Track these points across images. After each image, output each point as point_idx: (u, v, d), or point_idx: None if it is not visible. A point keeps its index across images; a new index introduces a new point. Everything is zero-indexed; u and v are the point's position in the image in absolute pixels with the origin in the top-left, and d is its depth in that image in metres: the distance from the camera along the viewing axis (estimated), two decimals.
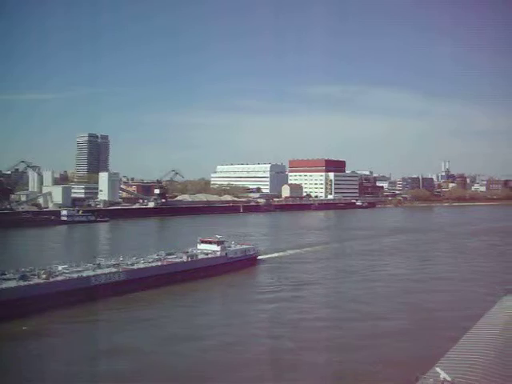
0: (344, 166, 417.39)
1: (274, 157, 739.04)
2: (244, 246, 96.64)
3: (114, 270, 70.36)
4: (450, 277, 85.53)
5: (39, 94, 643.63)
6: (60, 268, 67.53)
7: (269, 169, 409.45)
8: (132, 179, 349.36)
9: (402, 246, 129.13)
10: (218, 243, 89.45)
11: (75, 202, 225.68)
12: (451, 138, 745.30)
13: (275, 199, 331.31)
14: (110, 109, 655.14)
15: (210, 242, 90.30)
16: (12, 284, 59.38)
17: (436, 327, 53.84)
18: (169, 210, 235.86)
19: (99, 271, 68.67)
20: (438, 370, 27.91)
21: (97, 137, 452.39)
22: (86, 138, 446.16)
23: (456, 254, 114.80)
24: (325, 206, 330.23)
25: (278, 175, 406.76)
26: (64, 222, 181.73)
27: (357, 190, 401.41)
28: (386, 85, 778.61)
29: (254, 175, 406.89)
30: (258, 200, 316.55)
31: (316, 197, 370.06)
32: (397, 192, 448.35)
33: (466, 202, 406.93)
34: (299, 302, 67.08)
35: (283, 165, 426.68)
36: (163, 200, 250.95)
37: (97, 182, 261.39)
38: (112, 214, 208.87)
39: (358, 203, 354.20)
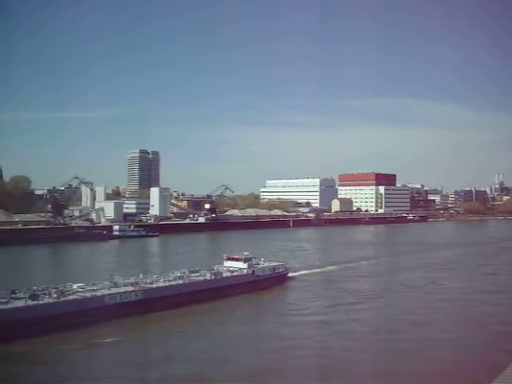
0: (394, 180, 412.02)
1: (322, 171, 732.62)
2: (273, 263, 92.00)
3: (130, 288, 67.38)
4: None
5: (89, 112, 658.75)
6: (75, 286, 64.55)
7: (318, 183, 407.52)
8: (182, 194, 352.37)
9: (460, 260, 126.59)
10: (245, 260, 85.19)
11: (127, 216, 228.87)
12: (505, 149, 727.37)
13: (325, 213, 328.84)
14: (158, 125, 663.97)
15: (237, 259, 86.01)
16: (19, 304, 56.43)
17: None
18: (219, 225, 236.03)
19: (114, 290, 65.72)
20: None
21: (148, 153, 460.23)
22: (138, 154, 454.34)
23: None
24: (375, 220, 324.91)
25: (328, 189, 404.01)
26: (116, 237, 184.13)
27: (408, 204, 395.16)
28: (434, 97, 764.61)
29: (303, 189, 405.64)
30: (308, 214, 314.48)
31: (366, 211, 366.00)
32: (449, 205, 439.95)
33: None
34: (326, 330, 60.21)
35: (333, 179, 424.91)
36: (213, 215, 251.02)
37: (148, 198, 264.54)
38: (163, 228, 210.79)
39: (410, 217, 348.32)
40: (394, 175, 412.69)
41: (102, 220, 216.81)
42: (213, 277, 78.33)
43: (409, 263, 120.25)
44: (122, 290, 66.27)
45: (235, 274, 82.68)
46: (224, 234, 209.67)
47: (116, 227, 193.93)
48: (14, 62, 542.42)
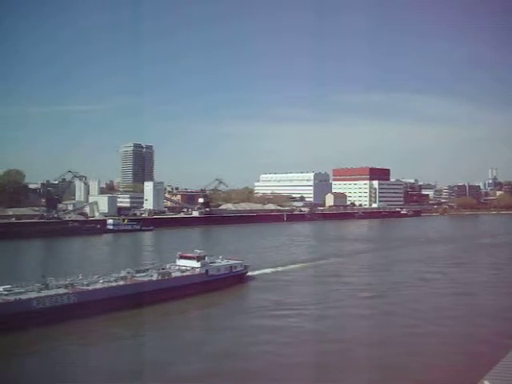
0: (388, 174, 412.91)
1: (316, 165, 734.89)
2: (231, 262, 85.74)
3: (62, 291, 61.49)
4: None
5: (83, 106, 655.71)
6: (0, 289, 59.02)
7: (312, 177, 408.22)
8: (176, 188, 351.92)
9: (460, 254, 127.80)
10: (198, 259, 79.56)
11: (121, 211, 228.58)
12: (500, 145, 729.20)
13: (319, 208, 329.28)
14: (153, 119, 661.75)
15: (190, 258, 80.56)
16: None
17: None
18: (213, 219, 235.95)
19: (44, 293, 59.83)
20: (486, 383, 26.67)
21: (142, 147, 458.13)
22: (131, 148, 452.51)
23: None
24: (369, 214, 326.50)
25: (322, 184, 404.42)
26: (110, 231, 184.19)
27: (402, 199, 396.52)
28: (429, 92, 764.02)
29: (297, 184, 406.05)
30: (302, 209, 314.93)
31: (360, 205, 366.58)
32: (443, 200, 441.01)
33: None
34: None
35: (327, 173, 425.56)
36: (207, 209, 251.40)
37: (142, 192, 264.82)
38: (156, 222, 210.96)
39: (403, 212, 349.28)
40: (388, 170, 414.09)
41: (96, 214, 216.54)
42: (159, 277, 72.93)
43: (406, 257, 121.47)
44: (53, 292, 60.85)
45: (186, 273, 77.52)
46: (218, 228, 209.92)
47: (110, 221, 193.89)
48: (13, 57, 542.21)
